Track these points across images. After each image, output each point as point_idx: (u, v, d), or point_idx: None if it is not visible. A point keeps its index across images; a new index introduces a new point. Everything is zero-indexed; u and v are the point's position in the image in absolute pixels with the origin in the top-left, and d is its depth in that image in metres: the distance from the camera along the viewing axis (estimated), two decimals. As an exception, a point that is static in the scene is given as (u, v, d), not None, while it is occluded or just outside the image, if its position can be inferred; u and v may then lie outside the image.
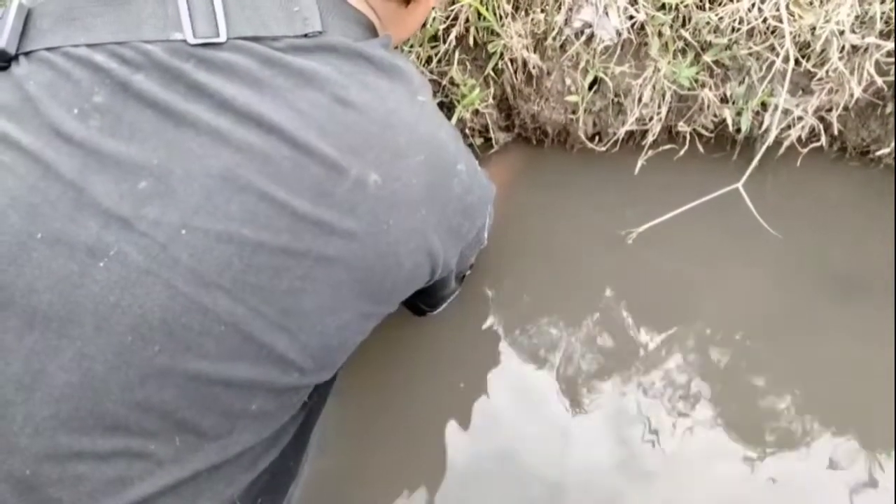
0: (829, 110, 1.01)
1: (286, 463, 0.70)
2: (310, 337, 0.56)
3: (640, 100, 1.03)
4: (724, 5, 0.96)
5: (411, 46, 1.04)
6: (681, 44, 1.00)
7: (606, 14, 0.98)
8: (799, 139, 1.02)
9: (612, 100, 1.05)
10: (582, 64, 1.02)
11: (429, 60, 1.06)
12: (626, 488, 0.79)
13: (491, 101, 1.10)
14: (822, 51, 0.96)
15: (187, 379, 0.52)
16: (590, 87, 1.05)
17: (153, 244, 0.50)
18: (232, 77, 0.54)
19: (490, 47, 1.03)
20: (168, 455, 0.53)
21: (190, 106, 0.52)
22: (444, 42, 1.04)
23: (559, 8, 1.00)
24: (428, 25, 1.02)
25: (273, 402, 0.58)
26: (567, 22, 1.00)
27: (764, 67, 0.99)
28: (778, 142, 1.02)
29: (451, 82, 1.07)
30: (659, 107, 1.04)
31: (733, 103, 1.03)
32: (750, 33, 0.97)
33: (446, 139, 0.63)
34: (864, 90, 0.97)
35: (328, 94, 0.55)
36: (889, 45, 0.93)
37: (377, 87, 0.58)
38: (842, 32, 0.93)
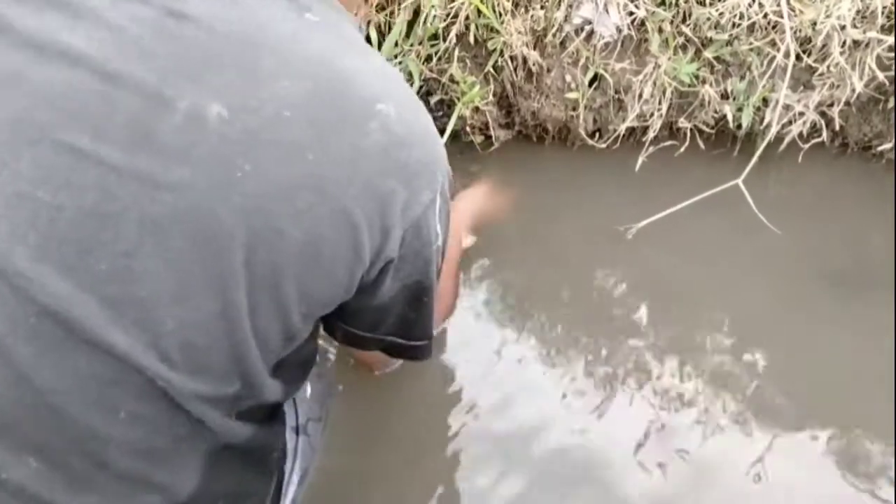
0: (831, 105, 1.01)
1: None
2: (157, 336, 0.43)
3: (640, 96, 1.03)
4: (725, 1, 0.95)
5: (411, 45, 1.04)
6: (681, 40, 1.00)
7: (606, 10, 0.98)
8: (800, 135, 1.02)
9: (613, 96, 1.05)
10: (582, 60, 1.02)
11: (429, 59, 1.06)
12: (626, 489, 0.79)
13: (491, 98, 1.10)
14: (824, 46, 0.96)
15: (9, 387, 0.42)
16: (590, 84, 1.05)
17: None
18: (41, 5, 0.44)
19: (490, 44, 1.03)
20: (28, 482, 0.43)
21: None
22: (445, 40, 1.04)
23: (559, 4, 1.00)
24: (428, 24, 1.02)
25: (148, 407, 0.45)
26: (567, 18, 1.00)
27: (765, 63, 0.98)
28: (779, 138, 1.02)
29: (451, 80, 1.07)
30: (659, 103, 1.04)
31: (734, 99, 1.02)
32: (751, 29, 0.97)
33: (360, 68, 0.48)
34: (866, 85, 0.97)
35: (156, 6, 0.45)
36: (890, 40, 0.93)
37: None
38: (843, 27, 0.93)
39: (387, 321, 0.60)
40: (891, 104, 1.01)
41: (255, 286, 0.45)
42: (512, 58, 1.04)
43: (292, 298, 0.47)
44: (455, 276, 0.90)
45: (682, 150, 1.06)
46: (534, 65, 1.04)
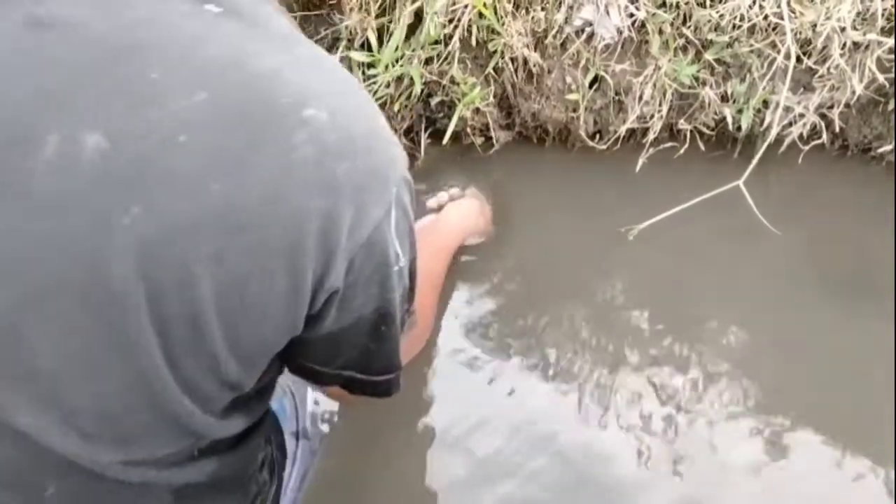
0: (831, 107, 1.01)
1: None
2: (67, 413, 0.38)
3: (640, 98, 1.03)
4: (725, 2, 0.95)
5: (413, 50, 1.04)
6: (682, 41, 1.00)
7: (607, 12, 0.98)
8: (800, 137, 1.02)
9: (613, 98, 1.05)
10: (582, 62, 1.02)
11: (429, 61, 1.06)
12: (628, 492, 0.79)
13: (491, 99, 1.09)
14: (824, 48, 0.96)
15: None
16: (590, 86, 1.05)
17: None
18: None
19: (490, 46, 1.03)
20: None
21: None
22: (447, 45, 1.04)
23: (559, 6, 1.00)
24: (431, 32, 1.02)
25: (77, 483, 0.41)
26: (567, 20, 1.00)
27: (765, 65, 0.98)
28: (779, 139, 1.02)
29: (452, 81, 1.07)
30: (660, 105, 1.04)
31: (734, 101, 1.03)
32: (751, 30, 0.97)
33: (281, 66, 0.39)
34: (866, 87, 0.97)
35: (17, 15, 0.36)
36: (890, 42, 0.93)
37: None
38: (843, 29, 0.93)
39: (341, 355, 0.51)
40: (891, 106, 1.01)
41: (172, 342, 0.38)
42: (512, 59, 1.04)
43: (219, 348, 0.40)
44: (432, 298, 0.84)
45: (683, 151, 1.06)
46: (534, 66, 1.03)
